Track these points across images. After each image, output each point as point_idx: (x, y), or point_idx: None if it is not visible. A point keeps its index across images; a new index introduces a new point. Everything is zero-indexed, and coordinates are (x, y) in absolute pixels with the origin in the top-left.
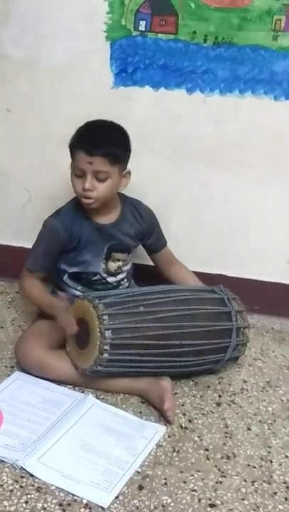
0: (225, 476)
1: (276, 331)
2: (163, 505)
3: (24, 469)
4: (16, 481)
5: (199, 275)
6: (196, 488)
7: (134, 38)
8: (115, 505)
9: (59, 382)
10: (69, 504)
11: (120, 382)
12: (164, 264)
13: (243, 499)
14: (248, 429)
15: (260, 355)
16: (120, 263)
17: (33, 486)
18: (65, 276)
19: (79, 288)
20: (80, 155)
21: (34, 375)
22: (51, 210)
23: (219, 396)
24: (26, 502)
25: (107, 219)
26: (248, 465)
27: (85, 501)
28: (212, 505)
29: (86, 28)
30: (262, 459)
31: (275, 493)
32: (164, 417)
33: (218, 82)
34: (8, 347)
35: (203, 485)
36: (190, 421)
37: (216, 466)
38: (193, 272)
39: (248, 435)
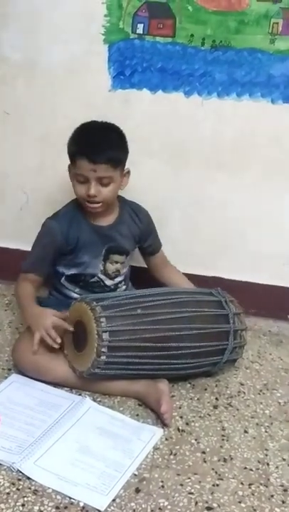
0: (222, 479)
1: (273, 334)
2: (160, 508)
3: (21, 472)
4: (13, 484)
5: (197, 278)
6: (192, 491)
7: (132, 40)
8: (112, 508)
9: (56, 384)
10: (66, 507)
11: (117, 384)
12: (158, 267)
13: (239, 502)
14: (245, 431)
15: (258, 357)
16: (118, 265)
17: (29, 488)
18: (63, 279)
19: (76, 290)
20: (82, 163)
21: (31, 378)
22: (49, 213)
23: (216, 399)
24: (23, 505)
25: (105, 221)
26: (245, 468)
27: (81, 504)
28: (209, 508)
29: (84, 30)
30: (259, 462)
31: (272, 496)
32: (161, 420)
33: (215, 85)
34: (5, 349)
35: (200, 488)
36: (187, 424)
37: (212, 468)
38: (190, 274)
39: (245, 438)
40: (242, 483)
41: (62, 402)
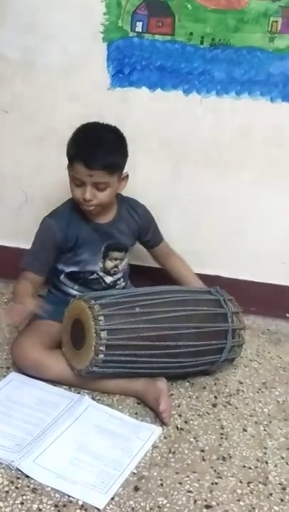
0: (221, 477)
1: (272, 332)
2: (159, 507)
3: (20, 470)
4: (12, 482)
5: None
6: (191, 489)
7: (131, 39)
8: (111, 506)
9: (55, 382)
10: (64, 505)
11: (116, 383)
12: (162, 258)
13: (238, 500)
14: (244, 430)
15: (256, 356)
16: (117, 262)
17: (28, 487)
18: (62, 276)
19: (76, 287)
20: (78, 167)
21: (30, 376)
22: (47, 211)
23: (215, 397)
24: (22, 503)
25: (104, 218)
26: (244, 466)
27: (80, 502)
28: (208, 507)
29: (83, 29)
30: (257, 460)
31: (271, 494)
32: (159, 418)
33: (214, 84)
34: (4, 348)
35: (198, 486)
36: (186, 422)
37: (211, 467)
38: None
39: (243, 436)
40: (241, 482)
41: (60, 400)
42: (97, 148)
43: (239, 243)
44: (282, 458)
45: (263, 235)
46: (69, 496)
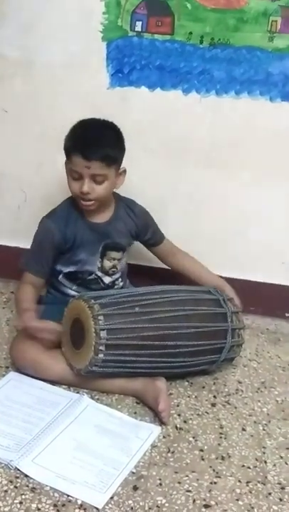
0: (219, 477)
1: (271, 332)
2: (158, 506)
3: (19, 470)
4: (11, 482)
5: None
6: (190, 488)
7: (131, 38)
8: (110, 505)
9: (54, 382)
10: (64, 505)
11: (115, 382)
12: (166, 256)
13: (237, 500)
14: (243, 429)
15: (255, 355)
16: (115, 262)
17: (27, 486)
18: (61, 276)
19: (74, 288)
20: (76, 159)
21: (29, 375)
22: (47, 211)
23: (214, 397)
24: (21, 502)
25: (101, 218)
26: (243, 466)
27: (79, 502)
28: (206, 506)
29: (82, 28)
30: (256, 460)
31: (270, 493)
32: (158, 418)
33: (214, 83)
34: (3, 347)
35: (197, 485)
36: (185, 421)
37: (210, 466)
38: None
39: (242, 436)
40: (240, 481)
41: (60, 399)
42: (95, 140)
43: (239, 243)
44: (281, 457)
45: (263, 234)
46: (68, 496)
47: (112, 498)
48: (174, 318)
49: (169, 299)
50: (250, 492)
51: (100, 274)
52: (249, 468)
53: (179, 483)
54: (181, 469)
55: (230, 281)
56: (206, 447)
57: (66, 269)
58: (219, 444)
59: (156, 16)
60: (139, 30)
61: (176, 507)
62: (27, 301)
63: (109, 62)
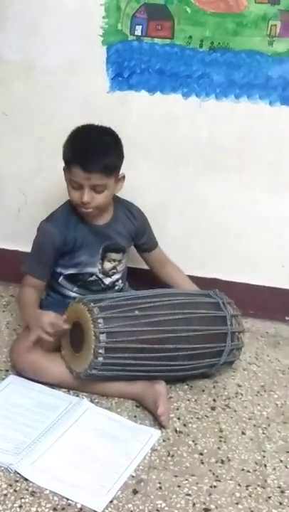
0: (219, 481)
1: (271, 335)
2: (157, 510)
3: (18, 473)
4: (10, 485)
5: (195, 279)
6: (190, 492)
7: (131, 42)
8: (109, 509)
9: (54, 385)
10: (63, 508)
11: (115, 385)
12: (156, 264)
13: (237, 503)
14: (243, 433)
15: (255, 359)
16: (116, 263)
17: (27, 490)
18: (61, 278)
19: (74, 290)
20: (76, 170)
21: (29, 379)
22: (47, 214)
23: (214, 400)
24: (20, 506)
25: (101, 220)
26: (243, 469)
27: (79, 505)
28: (206, 510)
29: (82, 32)
30: (256, 463)
31: (270, 497)
32: (158, 421)
33: (213, 87)
34: (3, 350)
35: (197, 489)
36: (185, 425)
37: (210, 470)
38: (188, 275)
39: (242, 439)
40: (239, 485)
41: (59, 403)
42: (94, 151)
43: (238, 246)
44: (281, 461)
45: (262, 238)
46: (68, 499)
47: (111, 501)
48: (174, 321)
49: (169, 302)
50: (250, 496)
51: (100, 275)
52: (249, 471)
53: (179, 486)
54: (181, 473)
55: (230, 284)
56: (205, 451)
57: (66, 272)
58: (219, 448)
59: (156, 20)
60: (139, 34)
61: (176, 511)
62: (34, 305)
63: (109, 66)
